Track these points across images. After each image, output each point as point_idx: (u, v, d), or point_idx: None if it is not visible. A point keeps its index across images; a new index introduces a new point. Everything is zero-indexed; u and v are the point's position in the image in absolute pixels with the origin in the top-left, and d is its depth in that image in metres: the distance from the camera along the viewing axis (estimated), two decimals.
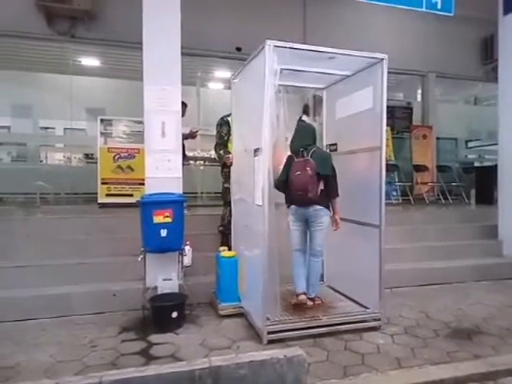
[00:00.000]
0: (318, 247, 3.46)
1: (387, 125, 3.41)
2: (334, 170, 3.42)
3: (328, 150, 4.19)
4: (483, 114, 10.25)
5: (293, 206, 3.44)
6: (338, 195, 3.43)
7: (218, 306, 3.58)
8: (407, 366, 2.69)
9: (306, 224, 3.47)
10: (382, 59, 3.25)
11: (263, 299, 3.02)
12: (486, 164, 10.00)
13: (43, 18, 6.52)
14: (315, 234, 3.45)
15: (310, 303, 3.45)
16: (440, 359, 2.80)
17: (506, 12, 5.34)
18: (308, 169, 3.25)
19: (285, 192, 3.43)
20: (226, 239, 4.26)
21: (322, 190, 3.34)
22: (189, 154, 6.55)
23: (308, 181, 3.24)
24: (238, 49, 7.02)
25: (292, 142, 3.52)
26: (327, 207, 3.43)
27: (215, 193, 7.81)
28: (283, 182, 3.37)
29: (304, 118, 4.89)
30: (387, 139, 6.97)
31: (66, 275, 3.79)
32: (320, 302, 3.57)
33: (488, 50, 8.55)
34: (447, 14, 4.85)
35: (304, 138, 3.48)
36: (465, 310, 3.81)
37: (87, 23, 6.68)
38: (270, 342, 2.97)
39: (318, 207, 3.35)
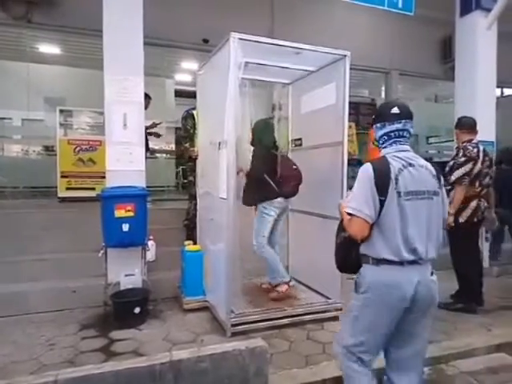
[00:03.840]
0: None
1: (352, 121, 3.52)
2: None
3: (293, 145, 4.26)
4: (443, 111, 10.66)
5: (280, 199, 3.51)
6: None
7: (182, 300, 3.56)
8: None
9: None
10: (345, 56, 3.31)
11: (227, 292, 3.04)
12: (445, 159, 10.45)
13: None
14: (281, 222, 3.72)
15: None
16: None
17: (462, 14, 5.58)
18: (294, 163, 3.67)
19: (268, 185, 3.47)
20: (191, 233, 4.23)
21: None
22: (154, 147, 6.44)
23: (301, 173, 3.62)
24: (205, 40, 6.91)
25: (266, 137, 3.61)
26: None
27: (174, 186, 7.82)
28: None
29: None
30: (352, 135, 7.13)
31: (23, 272, 3.64)
32: None
33: (447, 49, 8.88)
34: (407, 13, 4.99)
35: (273, 134, 3.73)
36: None
37: (45, 8, 6.32)
38: (234, 334, 3.00)
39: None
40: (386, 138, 1.94)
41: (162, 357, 2.04)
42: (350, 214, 1.83)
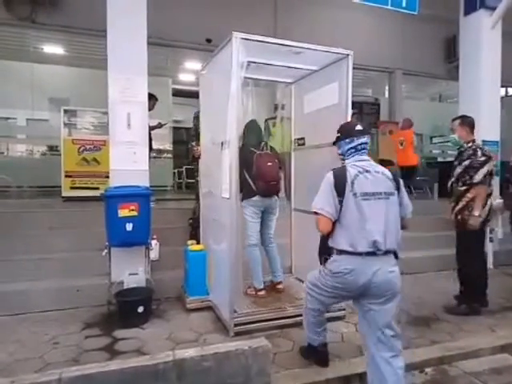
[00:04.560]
0: (273, 233, 3.72)
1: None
2: None
3: (296, 145, 4.25)
4: (447, 110, 10.64)
5: (256, 198, 3.49)
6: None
7: (185, 299, 3.57)
8: None
9: (262, 215, 3.64)
10: (348, 55, 3.30)
11: (230, 292, 3.04)
12: (448, 159, 10.41)
13: (1, 2, 6.17)
14: (272, 222, 3.71)
15: (281, 287, 3.71)
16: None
17: (466, 13, 5.55)
18: (276, 160, 3.57)
19: (246, 184, 3.48)
20: (195, 232, 4.24)
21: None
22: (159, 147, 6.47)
23: (278, 171, 3.56)
24: (208, 40, 6.92)
25: (249, 137, 3.68)
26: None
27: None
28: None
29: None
30: None
31: (27, 271, 3.66)
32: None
33: (451, 48, 8.85)
34: (412, 12, 4.97)
35: (260, 134, 3.80)
36: (424, 299, 3.98)
37: (49, 8, 6.37)
38: (237, 334, 3.00)
39: (279, 196, 3.66)
40: (353, 150, 2.33)
41: (165, 356, 2.04)
42: (316, 213, 2.22)
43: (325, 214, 2.17)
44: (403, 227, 2.30)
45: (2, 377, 2.25)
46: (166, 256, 3.82)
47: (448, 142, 5.21)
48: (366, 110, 9.13)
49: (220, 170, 3.24)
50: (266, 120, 6.46)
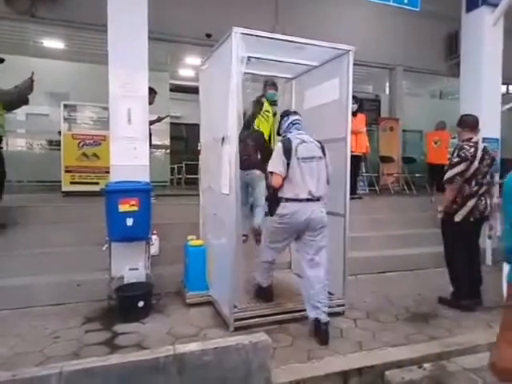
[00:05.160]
0: (258, 201, 4.29)
1: None
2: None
3: None
4: (448, 107, 10.62)
5: (240, 171, 3.78)
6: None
7: (185, 294, 3.58)
8: (367, 349, 2.80)
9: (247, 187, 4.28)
10: (349, 51, 3.29)
11: (230, 287, 3.05)
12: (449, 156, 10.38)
13: None
14: (254, 192, 4.31)
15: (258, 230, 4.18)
16: (399, 342, 2.93)
17: (468, 9, 5.53)
18: (253, 142, 4.17)
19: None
20: None
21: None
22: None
23: (251, 149, 4.13)
24: (208, 35, 6.89)
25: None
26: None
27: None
28: None
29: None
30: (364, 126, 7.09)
31: (27, 265, 3.66)
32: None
33: (452, 45, 8.82)
34: (413, 8, 4.96)
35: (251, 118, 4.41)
36: (424, 295, 4.00)
37: (49, 3, 6.33)
38: (237, 329, 3.01)
39: (257, 174, 4.17)
40: (291, 125, 3.20)
41: (165, 350, 2.05)
42: (271, 173, 3.02)
43: (278, 172, 2.96)
44: (328, 182, 3.11)
45: (3, 370, 2.28)
46: (165, 251, 3.83)
47: None
48: (366, 107, 9.08)
49: (220, 165, 3.24)
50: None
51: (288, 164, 2.93)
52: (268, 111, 4.51)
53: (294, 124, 3.18)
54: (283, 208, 2.99)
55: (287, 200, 2.97)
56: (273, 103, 4.62)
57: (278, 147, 3.04)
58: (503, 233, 1.22)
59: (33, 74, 4.30)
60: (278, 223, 3.05)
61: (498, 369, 1.10)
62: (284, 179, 2.97)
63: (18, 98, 4.36)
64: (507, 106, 9.68)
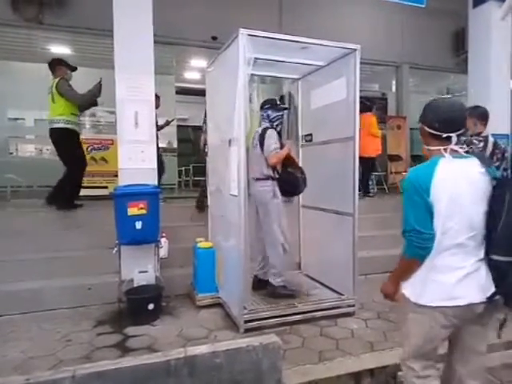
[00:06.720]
0: None
1: None
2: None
3: (304, 141, 4.24)
4: None
5: None
6: None
7: (195, 296, 3.58)
8: (379, 349, 2.78)
9: None
10: (355, 50, 3.27)
11: (240, 289, 3.05)
12: None
13: (9, 3, 6.21)
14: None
15: None
16: None
17: (475, 5, 5.47)
18: None
19: None
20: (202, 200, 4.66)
21: None
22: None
23: None
24: (214, 38, 6.91)
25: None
26: None
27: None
28: None
29: None
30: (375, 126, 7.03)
31: (39, 270, 3.69)
32: None
33: (459, 41, 8.73)
34: (419, 5, 4.91)
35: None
36: None
37: (56, 9, 6.40)
38: (247, 330, 3.01)
39: None
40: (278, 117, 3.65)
41: (177, 352, 2.05)
42: None
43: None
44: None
45: (17, 374, 2.30)
46: (174, 253, 3.84)
47: None
48: None
49: (228, 167, 3.24)
50: None
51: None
52: None
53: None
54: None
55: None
56: None
57: (272, 132, 3.54)
58: None
59: (101, 79, 4.55)
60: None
61: (381, 291, 2.03)
62: None
63: (90, 100, 4.70)
64: None
